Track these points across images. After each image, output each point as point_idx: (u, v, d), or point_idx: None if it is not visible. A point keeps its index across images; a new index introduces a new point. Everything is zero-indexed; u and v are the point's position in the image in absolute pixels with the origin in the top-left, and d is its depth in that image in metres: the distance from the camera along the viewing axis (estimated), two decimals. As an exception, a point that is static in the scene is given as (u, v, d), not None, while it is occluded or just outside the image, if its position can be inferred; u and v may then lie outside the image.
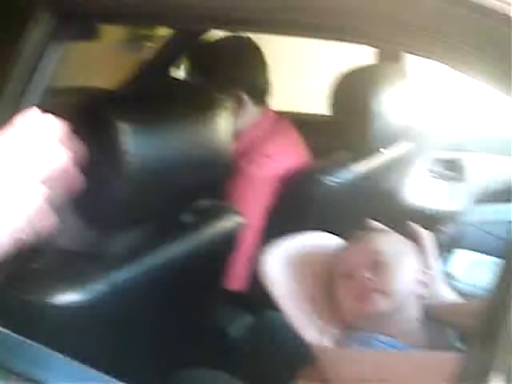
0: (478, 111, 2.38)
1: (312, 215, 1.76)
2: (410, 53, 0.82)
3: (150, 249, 1.26)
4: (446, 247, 1.81)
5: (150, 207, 1.22)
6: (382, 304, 1.11)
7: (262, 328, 1.50)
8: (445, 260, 1.72)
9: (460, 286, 1.58)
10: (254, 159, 1.81)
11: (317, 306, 1.19)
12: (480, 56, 0.71)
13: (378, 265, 1.15)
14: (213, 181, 1.31)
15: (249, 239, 1.74)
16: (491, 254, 1.79)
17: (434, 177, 2.39)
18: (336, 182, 1.78)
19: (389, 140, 1.93)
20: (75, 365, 0.81)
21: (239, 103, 1.86)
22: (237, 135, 1.85)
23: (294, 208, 1.78)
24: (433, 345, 1.12)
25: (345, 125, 1.86)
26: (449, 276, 1.60)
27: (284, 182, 1.83)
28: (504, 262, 0.69)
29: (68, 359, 0.81)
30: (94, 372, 0.80)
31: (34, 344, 0.83)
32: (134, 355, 1.30)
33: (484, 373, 0.65)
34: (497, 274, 0.68)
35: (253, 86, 1.89)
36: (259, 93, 1.92)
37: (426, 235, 1.28)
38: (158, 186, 1.18)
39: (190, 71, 1.99)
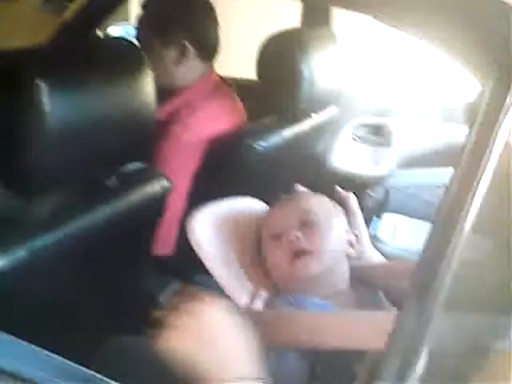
0: (404, 76, 2.40)
1: (240, 179, 1.74)
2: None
3: (73, 213, 1.22)
4: (373, 211, 1.83)
5: (72, 170, 1.18)
6: (312, 265, 1.10)
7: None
8: (372, 224, 1.73)
9: (387, 249, 1.60)
10: (183, 121, 1.77)
11: (247, 269, 1.17)
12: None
13: (306, 225, 1.14)
14: (138, 143, 1.27)
15: (176, 203, 1.71)
16: (417, 217, 1.82)
17: (361, 142, 2.40)
18: (264, 146, 1.77)
19: (316, 104, 1.92)
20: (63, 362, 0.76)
21: (182, 52, 1.82)
22: (175, 92, 1.85)
23: (221, 172, 1.76)
24: (364, 306, 1.12)
25: (273, 89, 1.84)
26: (376, 239, 1.62)
27: (212, 146, 1.80)
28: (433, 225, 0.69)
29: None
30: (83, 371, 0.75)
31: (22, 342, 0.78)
32: (57, 324, 1.26)
33: (416, 333, 0.65)
34: (427, 237, 0.68)
35: (199, 38, 1.84)
36: (205, 47, 1.87)
37: (353, 199, 1.28)
38: (80, 148, 1.14)
39: (141, 19, 1.92)
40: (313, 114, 1.97)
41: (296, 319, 0.98)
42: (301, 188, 1.31)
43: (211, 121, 1.83)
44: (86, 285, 1.34)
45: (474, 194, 0.66)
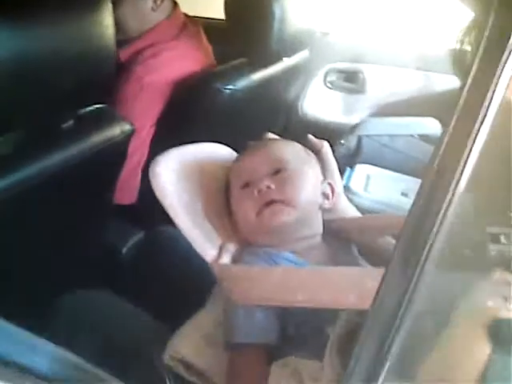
0: (380, 22, 2.31)
1: (207, 125, 1.67)
2: None
3: (27, 158, 1.13)
4: (345, 161, 1.76)
5: (27, 112, 1.08)
6: (283, 214, 1.02)
7: (152, 244, 1.40)
8: (344, 174, 1.67)
9: (359, 200, 1.53)
10: (146, 62, 1.67)
11: (214, 220, 1.08)
12: None
13: (278, 173, 1.05)
14: (96, 83, 1.17)
15: (138, 149, 1.63)
16: (390, 168, 1.76)
17: (333, 88, 2.32)
18: (232, 89, 1.68)
19: (288, 47, 1.84)
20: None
21: None
22: (140, 34, 1.74)
23: (187, 116, 1.67)
24: (337, 261, 1.05)
25: (242, 29, 1.75)
26: (348, 190, 1.55)
27: (178, 89, 1.71)
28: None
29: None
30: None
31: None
32: (14, 275, 1.18)
33: (400, 290, 0.59)
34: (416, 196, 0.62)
35: None
36: None
37: (327, 147, 1.19)
38: (35, 89, 1.04)
39: None
40: (284, 58, 1.89)
41: (267, 275, 0.91)
42: (271, 135, 1.22)
43: (177, 62, 1.73)
44: (45, 234, 1.26)
45: (468, 155, 0.59)
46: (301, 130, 2.11)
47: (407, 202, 1.62)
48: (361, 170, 1.70)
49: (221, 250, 1.02)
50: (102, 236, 1.55)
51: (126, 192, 1.66)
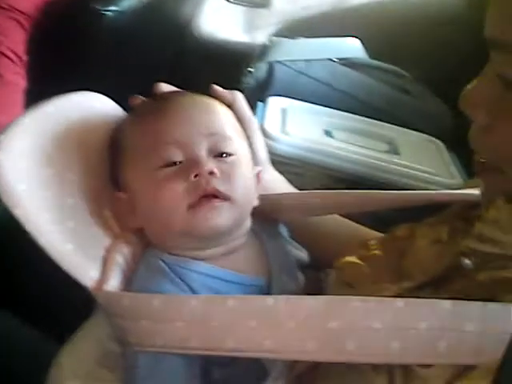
0: None
1: (84, 59, 1.38)
2: None
3: None
4: (255, 93, 1.50)
5: None
6: (224, 215, 0.71)
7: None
8: (256, 111, 1.40)
9: (278, 146, 1.28)
10: None
11: (94, 216, 0.78)
12: None
13: (223, 155, 0.75)
14: None
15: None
16: (307, 99, 1.52)
17: (234, 2, 2.02)
18: (115, 11, 1.43)
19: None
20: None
21: None
22: None
23: (59, 48, 1.38)
24: (261, 257, 0.79)
25: None
26: (264, 134, 1.29)
27: (47, 12, 1.47)
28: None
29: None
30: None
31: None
32: None
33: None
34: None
35: None
36: None
37: (239, 100, 0.89)
38: None
39: None
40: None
41: (177, 310, 0.63)
42: (165, 86, 0.87)
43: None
44: None
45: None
46: (197, 55, 1.83)
47: (332, 145, 1.40)
48: (275, 105, 1.45)
49: (106, 262, 0.72)
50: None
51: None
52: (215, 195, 0.72)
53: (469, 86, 0.56)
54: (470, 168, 1.35)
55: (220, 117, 0.78)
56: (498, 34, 0.52)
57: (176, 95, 0.81)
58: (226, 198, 0.72)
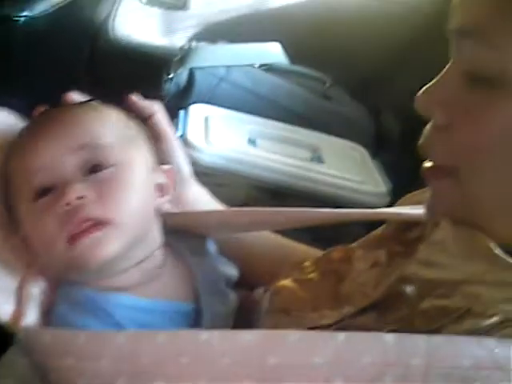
0: None
1: None
2: None
3: None
4: (176, 101, 1.45)
5: None
6: (109, 245, 0.65)
7: None
8: (178, 120, 1.36)
9: (202, 157, 1.25)
10: None
11: (7, 246, 0.70)
12: None
13: (96, 170, 0.68)
14: None
15: None
16: (228, 106, 1.48)
17: (149, 4, 1.95)
18: (28, 17, 1.37)
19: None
20: None
21: None
22: None
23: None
24: (184, 280, 0.74)
25: None
26: (188, 144, 1.25)
27: None
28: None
29: None
30: None
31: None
32: None
33: None
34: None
35: None
36: None
37: (158, 112, 0.83)
38: None
39: None
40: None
41: (101, 345, 0.57)
42: (76, 96, 0.80)
43: None
44: None
45: None
46: (112, 58, 1.76)
47: (255, 154, 1.37)
48: (197, 113, 1.41)
49: (21, 295, 0.66)
50: None
51: None
52: (93, 223, 0.64)
53: (428, 86, 0.55)
54: (393, 175, 1.37)
55: (94, 125, 0.70)
56: (470, 20, 0.50)
57: (52, 110, 0.74)
58: (105, 222, 0.64)
